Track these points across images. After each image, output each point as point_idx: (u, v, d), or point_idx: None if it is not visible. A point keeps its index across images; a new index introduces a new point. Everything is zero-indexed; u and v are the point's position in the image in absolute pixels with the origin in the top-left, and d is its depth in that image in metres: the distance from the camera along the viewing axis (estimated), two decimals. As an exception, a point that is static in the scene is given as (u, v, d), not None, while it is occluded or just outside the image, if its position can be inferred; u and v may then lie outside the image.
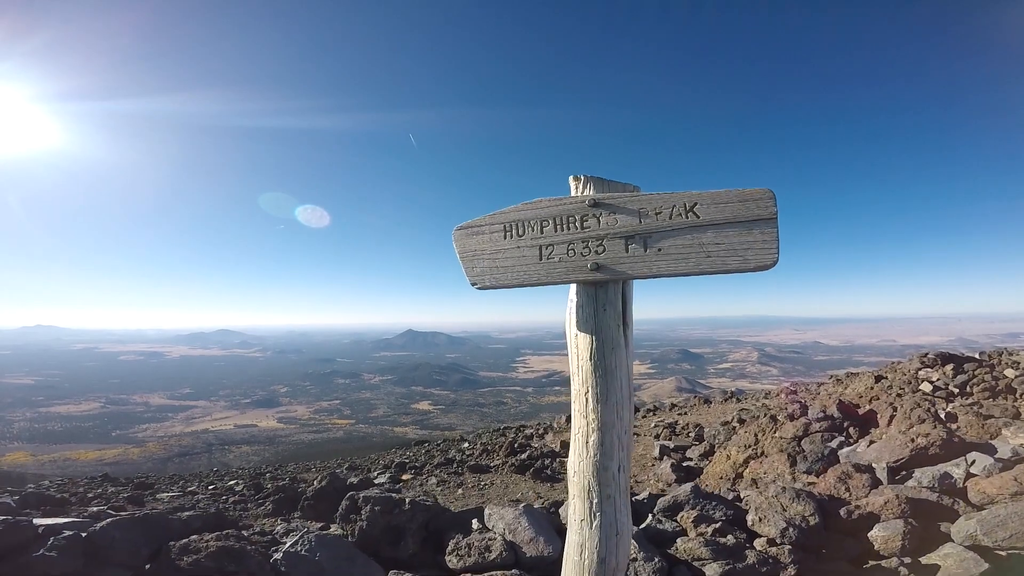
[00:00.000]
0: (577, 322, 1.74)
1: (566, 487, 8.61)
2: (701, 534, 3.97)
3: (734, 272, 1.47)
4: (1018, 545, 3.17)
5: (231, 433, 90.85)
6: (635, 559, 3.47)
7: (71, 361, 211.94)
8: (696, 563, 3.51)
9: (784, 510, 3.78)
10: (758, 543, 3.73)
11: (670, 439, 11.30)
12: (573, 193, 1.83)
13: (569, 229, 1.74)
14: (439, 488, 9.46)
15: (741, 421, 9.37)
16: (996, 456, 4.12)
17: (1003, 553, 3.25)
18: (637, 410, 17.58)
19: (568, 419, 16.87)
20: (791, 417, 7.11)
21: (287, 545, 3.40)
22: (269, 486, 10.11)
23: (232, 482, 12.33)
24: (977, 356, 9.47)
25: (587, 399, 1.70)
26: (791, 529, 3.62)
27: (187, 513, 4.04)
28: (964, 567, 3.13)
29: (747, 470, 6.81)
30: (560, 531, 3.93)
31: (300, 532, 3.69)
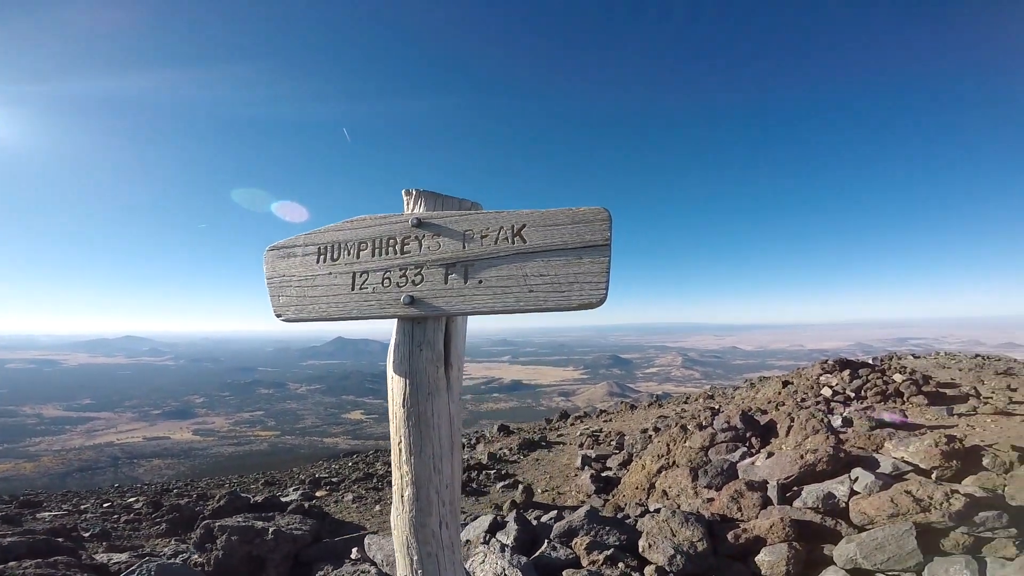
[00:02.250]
0: (392, 363, 1.49)
1: (492, 500, 8.43)
2: (593, 561, 3.86)
3: (554, 311, 1.28)
4: (896, 568, 3.22)
5: (140, 446, 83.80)
6: (519, 590, 3.31)
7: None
8: (582, 594, 3.40)
9: (673, 535, 3.73)
10: (648, 570, 3.66)
11: (593, 448, 11.41)
12: (405, 210, 1.58)
13: (388, 254, 1.48)
14: (355, 505, 9.03)
15: (657, 429, 9.56)
16: (878, 471, 4.26)
17: None
18: (566, 416, 17.69)
19: (500, 428, 16.86)
20: (700, 426, 7.27)
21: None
22: (169, 503, 9.36)
23: (132, 499, 11.33)
24: (871, 361, 10.19)
25: (400, 450, 1.46)
26: (679, 556, 3.57)
27: (10, 539, 3.52)
28: (845, 592, 3.17)
29: (659, 480, 6.89)
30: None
31: (141, 561, 3.33)
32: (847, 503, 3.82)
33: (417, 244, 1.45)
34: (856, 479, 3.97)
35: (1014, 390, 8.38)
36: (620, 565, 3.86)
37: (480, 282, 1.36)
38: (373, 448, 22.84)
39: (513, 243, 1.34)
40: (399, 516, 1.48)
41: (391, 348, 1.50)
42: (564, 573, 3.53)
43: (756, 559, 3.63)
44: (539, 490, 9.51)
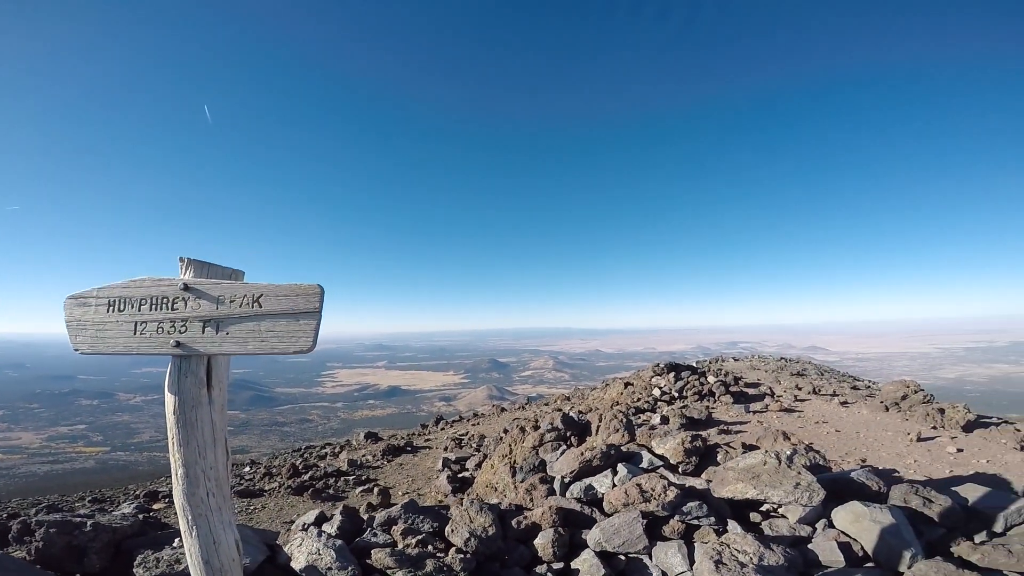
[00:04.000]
0: (167, 385, 2.23)
1: (350, 504, 9.01)
2: (407, 544, 4.74)
3: (279, 354, 2.09)
4: (631, 550, 4.33)
5: (-81, 468, 70.52)
6: (330, 568, 4.07)
7: None
8: (389, 571, 4.22)
9: (471, 521, 4.68)
10: (451, 552, 4.59)
11: (455, 451, 12.47)
12: (179, 274, 2.30)
13: (162, 309, 2.21)
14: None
15: (506, 431, 10.77)
16: (640, 465, 5.55)
17: (623, 557, 4.41)
18: (439, 421, 18.80)
19: (367, 435, 17.32)
20: (535, 427, 8.49)
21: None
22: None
23: (-82, 523, 10.18)
24: (694, 364, 12.28)
25: (174, 443, 2.22)
26: (473, 539, 4.51)
27: None
28: (592, 572, 4.23)
29: (497, 479, 7.97)
30: (272, 546, 4.39)
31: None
32: (603, 494, 4.98)
33: (183, 303, 2.20)
34: (617, 473, 5.18)
35: (800, 389, 10.72)
36: (429, 547, 4.76)
37: (227, 333, 2.14)
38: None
39: (252, 307, 2.13)
40: (175, 489, 2.27)
41: (167, 375, 2.23)
42: (372, 552, 4.34)
43: (535, 542, 4.67)
44: (400, 493, 10.27)
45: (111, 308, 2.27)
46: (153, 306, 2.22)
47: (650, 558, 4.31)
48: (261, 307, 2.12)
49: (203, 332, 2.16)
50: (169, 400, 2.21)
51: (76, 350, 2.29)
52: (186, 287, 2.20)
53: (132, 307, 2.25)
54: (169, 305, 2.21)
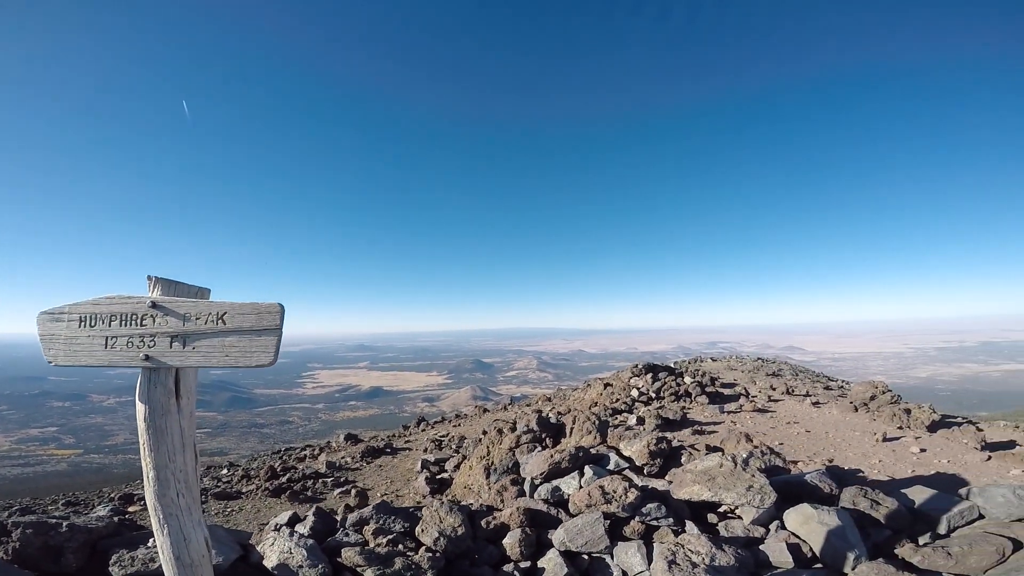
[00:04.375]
0: (137, 394, 2.39)
1: (328, 506, 9.14)
2: (378, 544, 4.92)
3: (242, 367, 2.26)
4: (593, 550, 4.55)
5: None
6: (301, 566, 4.26)
7: None
8: (359, 569, 4.41)
9: (441, 521, 4.88)
10: (421, 551, 4.78)
11: (435, 452, 12.65)
12: (147, 291, 2.46)
13: (131, 325, 2.37)
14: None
15: (484, 432, 10.98)
16: (607, 468, 5.78)
17: (586, 557, 4.63)
18: (421, 422, 18.99)
19: (347, 437, 17.41)
20: (512, 429, 8.71)
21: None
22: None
23: None
24: (672, 365, 12.57)
25: (145, 448, 2.38)
26: (442, 538, 4.71)
27: None
28: (556, 571, 4.45)
29: (473, 480, 8.17)
30: (245, 545, 4.56)
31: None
32: (569, 495, 5.19)
33: (152, 320, 2.36)
34: (584, 475, 5.41)
35: (774, 389, 11.04)
36: (400, 546, 4.95)
37: (194, 348, 2.31)
38: (206, 464, 21.85)
39: (217, 324, 2.30)
40: (147, 490, 2.43)
41: (137, 384, 2.39)
42: (343, 550, 4.52)
43: (503, 541, 4.88)
44: (378, 494, 10.40)
45: (83, 323, 2.42)
46: (123, 322, 2.37)
47: (611, 558, 4.53)
48: (225, 324, 2.28)
49: (171, 346, 2.31)
50: (140, 408, 2.36)
51: (50, 362, 2.44)
52: (154, 304, 2.35)
53: (103, 323, 2.40)
54: (138, 321, 2.36)
